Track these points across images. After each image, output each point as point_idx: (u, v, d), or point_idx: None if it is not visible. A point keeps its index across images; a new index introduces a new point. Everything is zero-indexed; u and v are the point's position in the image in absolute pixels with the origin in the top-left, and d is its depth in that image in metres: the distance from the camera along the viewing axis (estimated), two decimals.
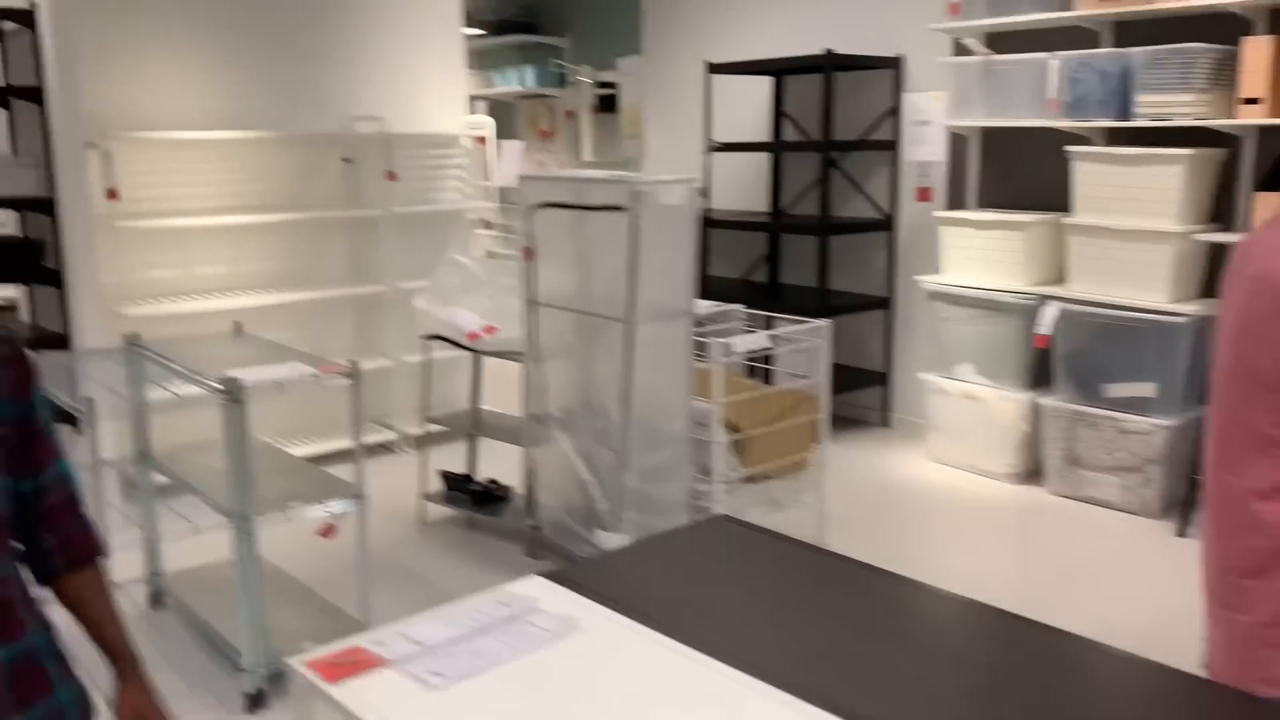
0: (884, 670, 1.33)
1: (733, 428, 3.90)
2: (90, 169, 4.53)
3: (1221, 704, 1.28)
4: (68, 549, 1.46)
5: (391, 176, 5.34)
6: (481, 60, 6.76)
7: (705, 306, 4.21)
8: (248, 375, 2.95)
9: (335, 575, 3.89)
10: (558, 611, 1.44)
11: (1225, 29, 4.28)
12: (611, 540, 3.61)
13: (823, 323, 4.07)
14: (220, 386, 2.87)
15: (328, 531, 3.15)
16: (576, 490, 3.83)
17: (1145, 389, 4.45)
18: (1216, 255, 4.53)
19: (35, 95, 4.41)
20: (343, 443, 5.11)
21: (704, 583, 1.60)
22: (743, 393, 3.96)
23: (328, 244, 5.41)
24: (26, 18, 4.36)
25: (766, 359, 4.31)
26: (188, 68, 4.90)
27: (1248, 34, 4.17)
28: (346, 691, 1.26)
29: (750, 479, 4.00)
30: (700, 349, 3.75)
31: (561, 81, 7.71)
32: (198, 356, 3.32)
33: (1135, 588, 3.83)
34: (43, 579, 1.46)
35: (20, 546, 1.44)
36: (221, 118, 5.01)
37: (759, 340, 3.88)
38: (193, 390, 3.12)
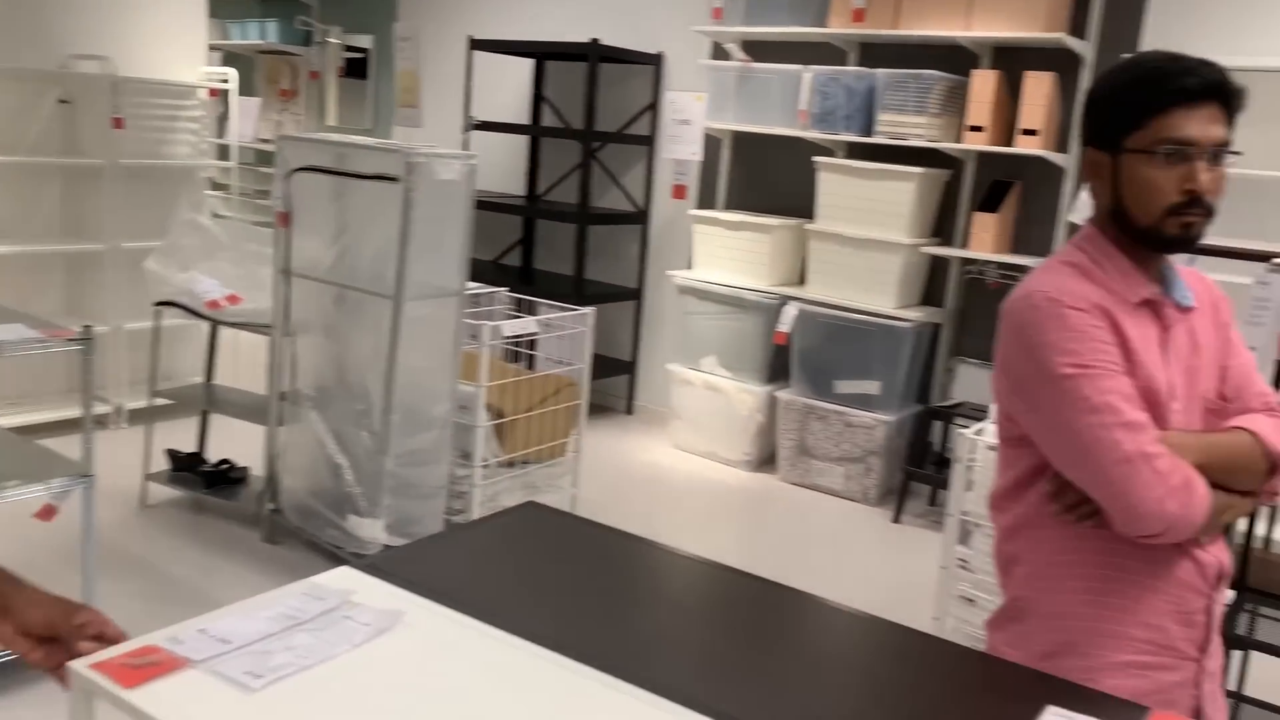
0: (710, 654, 1.36)
1: (496, 412, 3.86)
2: None
3: (939, 655, 1.40)
4: None
5: (117, 124, 4.85)
6: (218, 8, 6.28)
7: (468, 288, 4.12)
8: None
9: (47, 562, 3.49)
10: (377, 605, 1.36)
11: (958, 61, 4.70)
12: (365, 526, 3.47)
13: (588, 310, 4.10)
14: None
15: (48, 514, 2.82)
16: (327, 473, 3.64)
17: (870, 386, 4.81)
18: (937, 267, 4.96)
19: None
20: (49, 414, 4.60)
21: (522, 571, 1.57)
22: (507, 377, 3.92)
23: (38, 193, 4.84)
24: None
25: (529, 344, 4.29)
26: None
27: (976, 67, 4.60)
28: (148, 697, 1.13)
29: (509, 463, 3.97)
30: (466, 331, 3.68)
31: (307, 40, 7.30)
32: None
33: (855, 567, 4.14)
34: None
35: None
36: None
37: (527, 325, 3.85)
38: None
